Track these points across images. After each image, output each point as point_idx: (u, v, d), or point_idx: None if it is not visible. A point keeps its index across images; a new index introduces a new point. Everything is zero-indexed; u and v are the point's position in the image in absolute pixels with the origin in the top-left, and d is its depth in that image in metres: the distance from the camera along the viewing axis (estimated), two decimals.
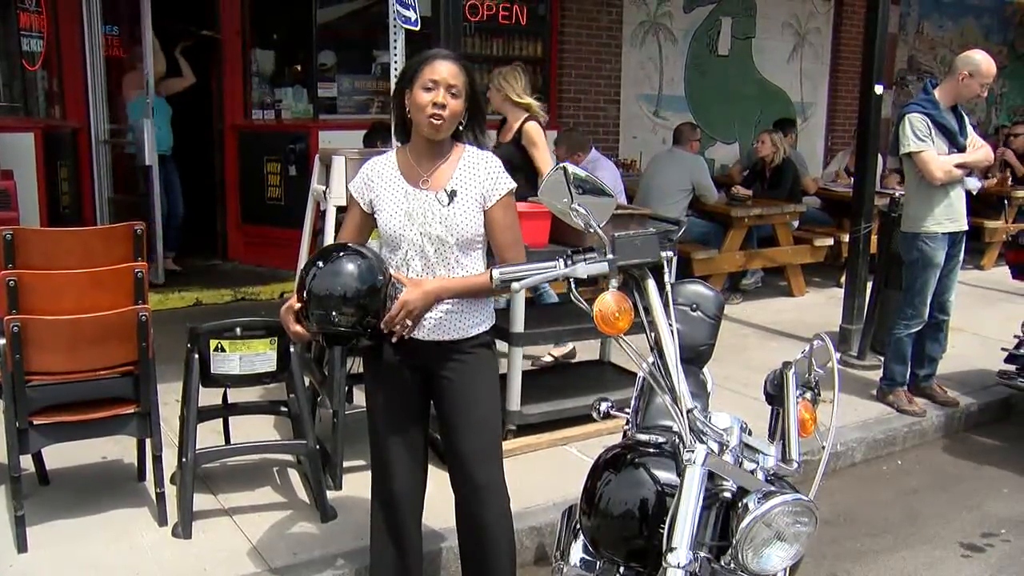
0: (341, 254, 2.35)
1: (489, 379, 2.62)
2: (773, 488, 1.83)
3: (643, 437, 2.15)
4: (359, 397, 4.32)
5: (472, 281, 2.47)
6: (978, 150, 4.67)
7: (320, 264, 2.34)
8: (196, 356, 3.27)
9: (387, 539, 2.72)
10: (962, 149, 4.60)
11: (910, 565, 3.53)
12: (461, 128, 2.52)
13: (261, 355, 3.31)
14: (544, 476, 3.79)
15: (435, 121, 2.42)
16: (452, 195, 2.47)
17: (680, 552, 1.76)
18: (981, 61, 4.54)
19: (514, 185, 2.57)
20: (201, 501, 3.41)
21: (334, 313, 2.26)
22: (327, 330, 2.31)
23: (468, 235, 2.49)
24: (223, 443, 3.67)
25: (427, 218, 2.46)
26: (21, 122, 6.43)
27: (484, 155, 2.55)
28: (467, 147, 2.56)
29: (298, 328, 2.34)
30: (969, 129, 4.72)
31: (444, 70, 2.42)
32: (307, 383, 3.77)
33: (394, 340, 2.37)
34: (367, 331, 2.34)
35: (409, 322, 2.34)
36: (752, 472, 1.89)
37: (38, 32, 6.49)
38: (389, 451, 2.62)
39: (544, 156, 4.63)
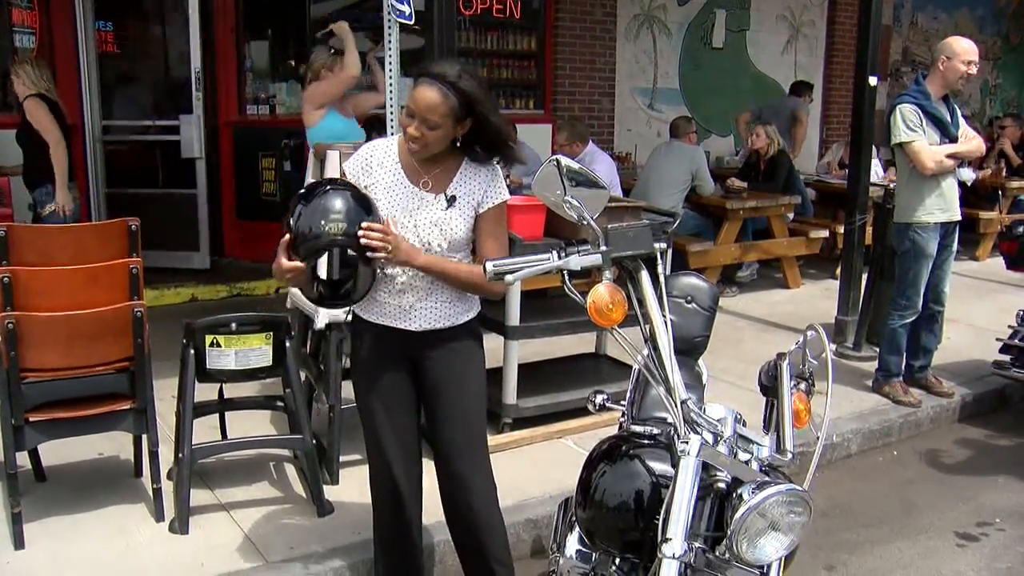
0: (328, 187, 2.38)
1: (476, 368, 2.63)
2: (767, 479, 1.84)
3: (638, 429, 2.15)
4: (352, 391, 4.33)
5: (458, 270, 2.44)
6: (970, 141, 4.68)
7: (308, 189, 2.38)
8: (192, 352, 3.27)
9: (389, 533, 2.73)
10: (954, 139, 4.61)
11: (906, 555, 3.55)
12: (457, 144, 2.47)
13: (256, 350, 3.31)
14: (540, 469, 3.79)
15: (411, 147, 2.41)
16: (452, 200, 2.46)
17: (675, 543, 1.76)
18: (954, 42, 4.59)
19: (508, 197, 2.57)
20: (198, 496, 3.41)
21: (323, 222, 2.26)
22: (321, 242, 2.27)
23: (460, 238, 2.49)
24: (219, 438, 3.67)
25: (424, 220, 2.45)
26: (13, 119, 6.40)
27: (486, 164, 2.53)
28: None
29: (292, 263, 2.31)
30: (961, 120, 4.73)
31: (422, 99, 2.34)
32: (303, 378, 3.77)
33: (364, 254, 2.29)
34: (359, 241, 2.28)
35: (380, 248, 2.28)
36: (746, 463, 1.89)
37: (30, 28, 6.46)
38: (383, 445, 2.62)
39: (50, 129, 5.27)
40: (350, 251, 2.30)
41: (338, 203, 2.30)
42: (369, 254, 2.29)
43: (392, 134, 3.95)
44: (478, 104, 2.38)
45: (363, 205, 2.35)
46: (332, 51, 5.14)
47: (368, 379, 2.61)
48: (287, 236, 2.32)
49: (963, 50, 4.53)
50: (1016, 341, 4.80)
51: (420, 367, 2.59)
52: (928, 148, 4.52)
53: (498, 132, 2.45)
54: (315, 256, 2.31)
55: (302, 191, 2.40)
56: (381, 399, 2.60)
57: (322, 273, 2.32)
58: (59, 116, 5.40)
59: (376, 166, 2.52)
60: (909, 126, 4.53)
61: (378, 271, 2.45)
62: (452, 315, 2.54)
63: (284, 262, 2.32)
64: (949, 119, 4.61)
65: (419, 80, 2.38)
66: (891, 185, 5.49)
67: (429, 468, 2.74)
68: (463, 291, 2.54)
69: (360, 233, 2.27)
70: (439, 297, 2.51)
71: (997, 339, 4.94)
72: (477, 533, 2.66)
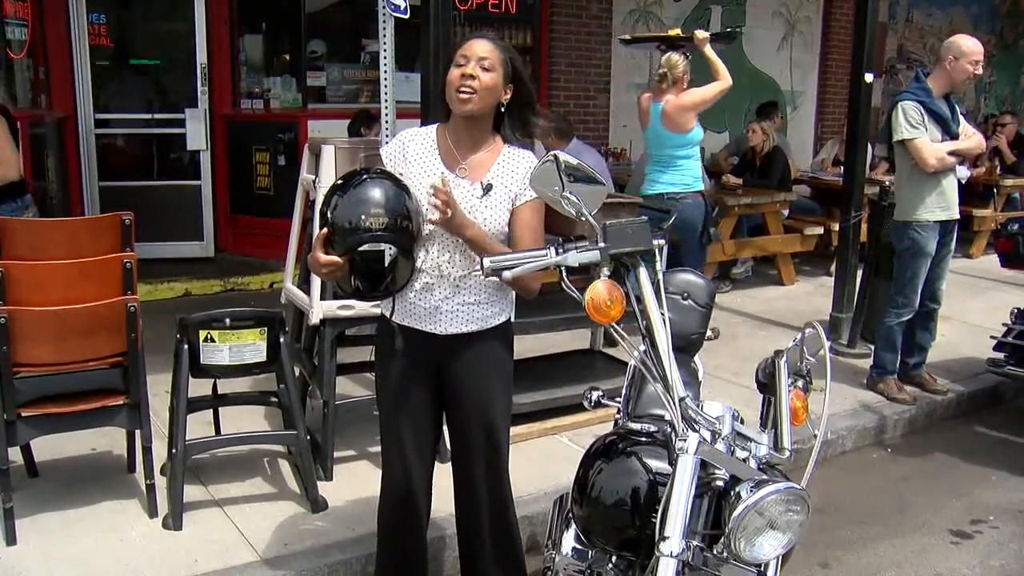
0: (365, 176, 2.30)
1: (501, 373, 2.58)
2: (765, 477, 1.83)
3: (635, 426, 2.15)
4: (348, 387, 4.32)
5: (486, 244, 2.34)
6: (971, 138, 4.68)
7: (345, 179, 2.30)
8: (186, 347, 3.25)
9: (396, 528, 2.70)
10: (955, 137, 4.61)
11: (900, 552, 3.55)
12: (503, 109, 2.44)
13: (251, 345, 3.29)
14: (535, 465, 3.79)
15: (462, 94, 2.35)
16: (488, 188, 2.41)
17: (673, 541, 1.76)
18: (963, 42, 4.58)
19: None
20: (191, 492, 3.40)
21: (362, 216, 2.19)
22: (360, 238, 2.21)
23: (495, 230, 2.42)
24: (213, 434, 3.64)
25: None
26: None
27: (524, 154, 2.48)
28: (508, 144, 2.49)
29: (330, 257, 2.24)
30: (961, 118, 4.72)
31: (476, 46, 2.36)
32: (297, 373, 3.75)
33: (403, 244, 2.25)
34: (401, 234, 2.24)
35: (439, 210, 2.21)
36: (744, 461, 1.89)
37: (21, 20, 6.42)
38: (402, 443, 2.58)
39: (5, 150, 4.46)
40: (391, 245, 2.26)
41: (376, 194, 2.23)
42: (431, 219, 2.24)
43: (386, 131, 3.92)
44: (518, 62, 2.43)
45: (402, 193, 2.28)
46: (688, 57, 5.43)
47: (391, 378, 2.56)
48: (324, 230, 2.25)
49: (971, 50, 4.52)
50: (1010, 339, 4.80)
51: (444, 369, 2.53)
52: (930, 145, 4.52)
53: (531, 96, 2.49)
54: (354, 250, 2.25)
55: (338, 181, 2.33)
56: (402, 399, 2.56)
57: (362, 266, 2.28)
58: (12, 126, 4.46)
59: (412, 152, 2.47)
60: (911, 123, 4.52)
61: (416, 263, 2.39)
62: (480, 318, 2.48)
63: (321, 256, 2.25)
64: (950, 116, 4.61)
65: (466, 40, 2.40)
66: (887, 182, 5.49)
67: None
68: (497, 291, 2.48)
69: (429, 194, 2.21)
70: (465, 298, 2.45)
71: (991, 337, 4.94)
72: (488, 540, 2.64)
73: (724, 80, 5.38)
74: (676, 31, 6.06)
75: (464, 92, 2.35)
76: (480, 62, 2.35)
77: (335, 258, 2.24)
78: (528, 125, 2.51)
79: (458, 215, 2.27)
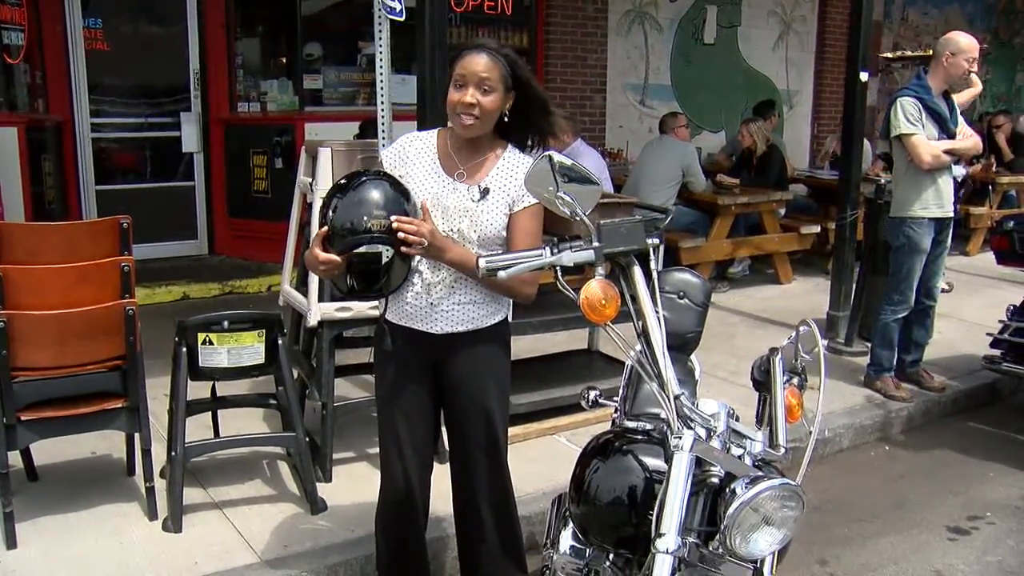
0: (365, 177, 2.31)
1: (498, 370, 2.59)
2: (760, 473, 1.84)
3: (631, 424, 2.16)
4: (346, 389, 4.33)
5: (467, 257, 2.37)
6: (968, 139, 4.70)
7: (346, 180, 2.30)
8: (184, 350, 3.26)
9: (393, 531, 2.71)
10: (952, 135, 4.63)
11: (898, 549, 3.56)
12: (505, 120, 2.44)
13: (249, 348, 3.30)
14: (533, 465, 3.80)
15: (465, 121, 2.37)
16: (484, 192, 2.42)
17: (669, 538, 1.76)
18: (960, 38, 4.60)
19: None
20: (191, 495, 3.41)
21: (363, 216, 2.20)
22: (359, 239, 2.22)
23: (491, 234, 2.43)
24: (212, 437, 3.65)
25: (456, 212, 2.41)
26: (4, 116, 6.38)
27: (523, 159, 2.48)
28: (509, 147, 2.50)
29: (328, 255, 2.23)
30: (959, 118, 4.74)
31: (475, 63, 2.34)
32: (295, 376, 3.76)
33: (400, 249, 2.24)
34: (398, 236, 2.24)
35: (414, 242, 2.23)
36: (739, 458, 1.89)
37: (18, 25, 6.43)
38: (400, 444, 2.59)
39: None
40: (388, 247, 2.26)
41: (376, 195, 2.24)
42: (404, 249, 2.24)
43: (384, 135, 3.94)
44: (520, 69, 2.41)
45: (401, 196, 2.29)
46: None
47: (388, 377, 2.57)
48: (323, 228, 2.26)
49: (968, 46, 4.54)
50: (1006, 336, 4.81)
51: (441, 368, 2.55)
52: (926, 142, 4.53)
53: (541, 98, 2.47)
54: (351, 250, 2.25)
55: (339, 181, 2.34)
56: (399, 398, 2.57)
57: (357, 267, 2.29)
58: None
59: (412, 156, 2.49)
60: (909, 119, 4.54)
61: (412, 264, 2.40)
62: (476, 318, 2.49)
63: (320, 253, 2.24)
64: (948, 115, 4.62)
65: (464, 52, 2.38)
66: (883, 181, 5.50)
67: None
68: (493, 292, 2.49)
69: (394, 227, 2.21)
70: (461, 298, 2.47)
71: (988, 334, 4.95)
72: (490, 540, 2.65)
73: (976, 87, 5.97)
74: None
75: (467, 119, 2.36)
76: (480, 84, 2.34)
77: (333, 256, 2.24)
78: (539, 125, 2.50)
79: (435, 244, 2.29)
